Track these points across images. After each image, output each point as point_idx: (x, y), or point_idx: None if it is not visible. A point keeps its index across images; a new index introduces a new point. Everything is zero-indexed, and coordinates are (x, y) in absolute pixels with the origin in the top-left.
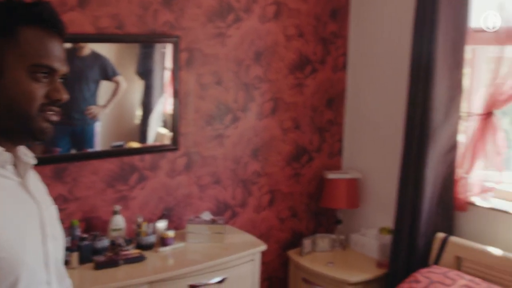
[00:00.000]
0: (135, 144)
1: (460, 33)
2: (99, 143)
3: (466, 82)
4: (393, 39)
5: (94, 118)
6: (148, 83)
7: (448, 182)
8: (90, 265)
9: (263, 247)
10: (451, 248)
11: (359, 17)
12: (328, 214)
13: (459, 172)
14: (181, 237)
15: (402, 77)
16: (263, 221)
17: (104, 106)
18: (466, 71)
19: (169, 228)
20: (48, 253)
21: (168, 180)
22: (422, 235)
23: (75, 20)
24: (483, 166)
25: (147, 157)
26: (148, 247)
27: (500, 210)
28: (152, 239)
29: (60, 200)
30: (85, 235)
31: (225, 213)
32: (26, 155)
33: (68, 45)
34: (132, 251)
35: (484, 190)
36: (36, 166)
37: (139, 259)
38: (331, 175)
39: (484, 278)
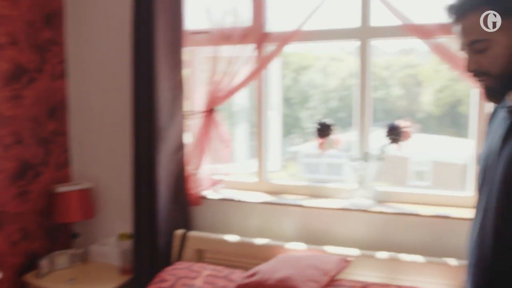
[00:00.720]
0: None
1: (177, 35)
2: None
3: (187, 81)
4: (112, 43)
5: None
6: None
7: (180, 179)
8: None
9: None
10: (191, 243)
11: (75, 22)
12: (63, 229)
13: (189, 169)
14: None
15: (125, 81)
16: None
17: None
18: (186, 71)
19: None
20: None
21: None
22: (162, 235)
23: None
24: (212, 161)
25: None
26: None
27: (231, 200)
28: None
29: None
30: None
31: None
32: None
33: None
34: None
35: (214, 183)
36: None
37: None
38: (61, 188)
39: (225, 265)
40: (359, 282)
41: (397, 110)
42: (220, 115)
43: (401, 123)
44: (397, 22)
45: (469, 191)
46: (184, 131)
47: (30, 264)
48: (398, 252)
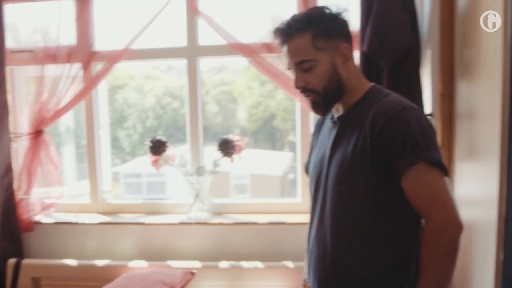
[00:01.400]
0: None
1: None
2: None
3: (11, 102)
4: None
5: None
6: None
7: (9, 205)
8: None
9: None
10: (26, 271)
11: None
12: None
13: (19, 194)
14: None
15: None
16: None
17: None
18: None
19: None
20: None
21: None
22: None
23: None
24: (42, 184)
25: None
26: None
27: (66, 223)
28: None
29: None
30: None
31: None
32: None
33: None
34: None
35: (45, 207)
36: None
37: None
38: None
39: None
40: None
41: (213, 127)
42: (48, 137)
43: (233, 137)
44: (223, 41)
45: (298, 198)
46: (11, 154)
47: None
48: (239, 260)
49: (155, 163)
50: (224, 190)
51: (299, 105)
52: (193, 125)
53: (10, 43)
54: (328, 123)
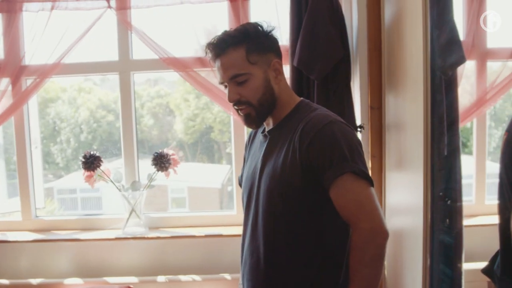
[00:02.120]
0: None
1: None
2: None
3: None
4: None
5: None
6: None
7: None
8: None
9: None
10: None
11: None
12: None
13: None
14: None
15: None
16: None
17: None
18: None
19: None
20: None
21: None
22: None
23: None
24: None
25: None
26: None
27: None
28: None
29: None
30: None
31: None
32: None
33: None
34: None
35: None
36: None
37: None
38: None
39: None
40: None
41: (150, 140)
42: None
43: (168, 151)
44: (156, 55)
45: (234, 210)
46: None
47: None
48: (177, 274)
49: (88, 178)
50: (162, 204)
51: (233, 118)
52: (127, 139)
53: None
54: (259, 136)
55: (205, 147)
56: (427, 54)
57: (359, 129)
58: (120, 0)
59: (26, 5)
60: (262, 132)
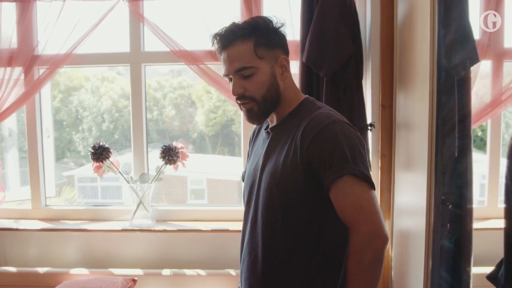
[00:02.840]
0: None
1: None
2: None
3: None
4: None
5: None
6: None
7: None
8: None
9: None
10: None
11: None
12: None
13: None
14: None
15: None
16: None
17: None
18: None
19: None
20: None
21: None
22: None
23: None
24: None
25: None
26: None
27: (6, 229)
28: None
29: None
30: None
31: None
32: None
33: None
34: None
35: None
36: None
37: None
38: None
39: None
40: None
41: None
42: None
43: (177, 144)
44: (167, 48)
45: (243, 206)
46: None
47: None
48: (182, 268)
49: (97, 169)
50: (181, 195)
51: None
52: (137, 131)
53: None
54: (262, 133)
55: (225, 140)
56: (433, 53)
57: (369, 128)
58: None
59: None
60: (266, 129)
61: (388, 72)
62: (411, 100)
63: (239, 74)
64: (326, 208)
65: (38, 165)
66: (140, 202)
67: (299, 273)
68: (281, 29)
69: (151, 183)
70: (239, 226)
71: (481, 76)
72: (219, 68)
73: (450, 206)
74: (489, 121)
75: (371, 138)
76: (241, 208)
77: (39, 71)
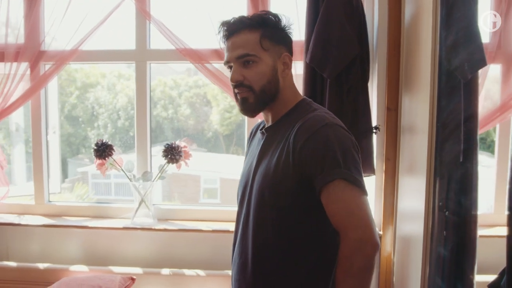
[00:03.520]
0: None
1: None
2: None
3: None
4: None
5: None
6: None
7: None
8: None
9: None
10: None
11: None
12: None
13: None
14: None
15: None
16: None
17: None
18: None
19: None
20: None
21: None
22: None
23: None
24: None
25: None
26: None
27: (8, 223)
28: None
29: None
30: None
31: None
32: None
33: None
34: None
35: None
36: None
37: None
38: None
39: None
40: None
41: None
42: None
43: (180, 143)
44: (172, 46)
45: None
46: None
47: None
48: (182, 267)
49: (100, 166)
50: (194, 194)
51: None
52: (141, 129)
53: None
54: (258, 133)
55: (240, 139)
56: (435, 55)
57: (374, 130)
58: None
59: None
60: (261, 129)
61: (395, 74)
62: (415, 103)
63: (240, 61)
64: (318, 211)
65: (41, 160)
66: (142, 200)
67: (290, 276)
68: (289, 30)
69: (153, 181)
70: None
71: (490, 80)
72: (224, 67)
73: (447, 212)
74: (497, 126)
75: (376, 141)
76: None
77: (45, 66)
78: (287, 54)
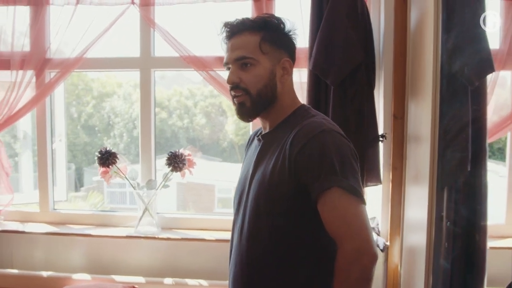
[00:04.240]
0: None
1: None
2: None
3: None
4: None
5: None
6: None
7: None
8: None
9: None
10: None
11: None
12: None
13: None
14: None
15: None
16: None
17: None
18: None
19: None
20: None
21: None
22: None
23: None
24: None
25: None
26: None
27: (12, 231)
28: None
29: None
30: None
31: None
32: None
33: None
34: None
35: None
36: None
37: None
38: None
39: None
40: None
41: (201, 139)
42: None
43: (184, 151)
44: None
45: None
46: None
47: None
48: (184, 277)
49: (104, 174)
50: (209, 203)
51: None
52: (145, 137)
53: None
54: (255, 140)
55: None
56: (437, 61)
57: (381, 139)
58: None
59: None
60: (258, 136)
61: (401, 81)
62: (420, 110)
63: (238, 63)
64: (314, 217)
65: (46, 168)
66: (146, 209)
67: (286, 282)
68: (293, 35)
69: (157, 190)
70: None
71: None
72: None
73: (448, 223)
74: (509, 134)
75: (383, 150)
76: None
77: (50, 74)
78: (287, 59)
